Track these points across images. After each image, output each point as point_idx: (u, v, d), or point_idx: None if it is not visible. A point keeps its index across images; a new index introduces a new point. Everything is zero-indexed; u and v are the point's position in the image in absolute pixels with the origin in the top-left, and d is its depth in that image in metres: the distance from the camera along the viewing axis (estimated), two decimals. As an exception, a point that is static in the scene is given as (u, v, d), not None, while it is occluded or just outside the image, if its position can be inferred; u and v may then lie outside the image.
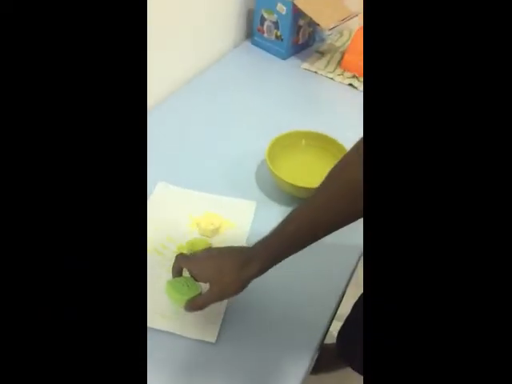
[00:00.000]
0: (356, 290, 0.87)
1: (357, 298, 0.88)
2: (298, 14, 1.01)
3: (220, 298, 0.52)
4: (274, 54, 1.09)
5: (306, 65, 1.08)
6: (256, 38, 1.12)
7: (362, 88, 1.01)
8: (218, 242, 0.65)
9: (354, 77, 1.03)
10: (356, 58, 1.03)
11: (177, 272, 0.55)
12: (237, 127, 0.88)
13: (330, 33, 1.16)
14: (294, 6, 0.99)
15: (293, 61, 1.09)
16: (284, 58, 1.09)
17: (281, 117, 0.91)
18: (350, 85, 1.02)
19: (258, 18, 1.07)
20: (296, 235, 0.49)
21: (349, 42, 1.10)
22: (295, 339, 0.57)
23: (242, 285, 0.50)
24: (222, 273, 0.50)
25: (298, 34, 1.07)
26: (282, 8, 1.01)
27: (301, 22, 1.05)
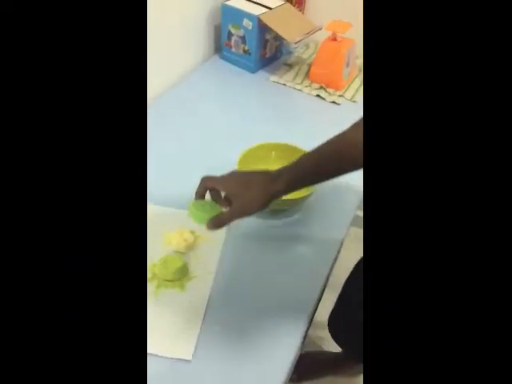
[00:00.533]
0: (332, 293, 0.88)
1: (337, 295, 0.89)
2: (264, 28, 1.04)
3: (243, 214, 0.53)
4: (243, 68, 1.11)
5: (274, 77, 1.10)
6: (224, 53, 1.13)
7: (329, 99, 1.04)
8: (193, 257, 0.65)
9: (321, 88, 1.06)
10: (322, 69, 1.06)
11: (200, 195, 0.57)
12: (208, 140, 0.89)
13: (296, 46, 1.19)
14: (260, 20, 1.01)
15: (261, 74, 1.11)
16: (253, 72, 1.11)
17: (251, 129, 0.92)
18: (318, 96, 1.05)
19: (225, 33, 1.09)
20: (321, 159, 0.54)
21: (315, 55, 1.13)
22: (275, 350, 0.57)
23: (268, 199, 0.52)
24: (248, 186, 0.52)
25: (265, 47, 1.09)
26: (248, 23, 1.03)
27: (267, 36, 1.08)
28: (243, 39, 1.06)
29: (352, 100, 1.04)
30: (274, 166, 0.79)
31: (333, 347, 1.26)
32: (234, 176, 0.56)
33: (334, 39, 1.03)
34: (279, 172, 0.54)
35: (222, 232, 0.69)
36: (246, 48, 1.07)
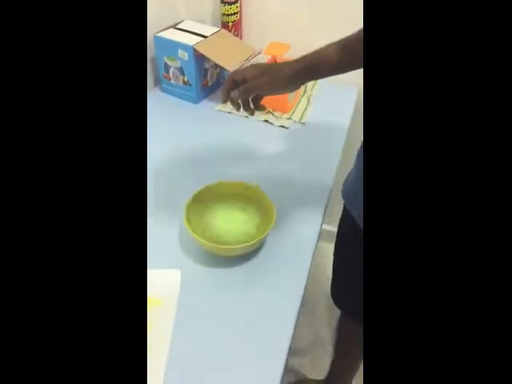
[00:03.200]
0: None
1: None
2: (201, 57, 1.00)
3: (271, 85, 0.61)
4: (186, 99, 1.07)
5: (219, 106, 1.06)
6: (164, 85, 1.08)
7: (277, 123, 1.01)
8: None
9: (268, 112, 1.03)
10: (266, 94, 1.03)
11: (227, 91, 0.62)
12: (159, 175, 0.83)
13: (239, 70, 1.16)
14: (196, 50, 0.97)
15: (205, 103, 1.07)
16: (196, 102, 1.06)
17: (200, 164, 0.88)
18: (266, 121, 1.02)
19: (161, 65, 1.04)
20: (328, 57, 0.60)
21: (258, 78, 1.10)
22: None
23: (293, 76, 0.60)
24: (279, 65, 0.60)
25: (205, 76, 1.05)
26: (183, 54, 0.99)
27: (206, 65, 1.04)
28: (181, 70, 1.02)
29: (300, 122, 1.02)
30: (224, 207, 0.75)
31: (314, 373, 1.23)
32: (260, 63, 0.62)
33: (275, 62, 1.00)
34: (296, 59, 0.61)
35: (173, 291, 0.64)
36: (186, 79, 1.03)
